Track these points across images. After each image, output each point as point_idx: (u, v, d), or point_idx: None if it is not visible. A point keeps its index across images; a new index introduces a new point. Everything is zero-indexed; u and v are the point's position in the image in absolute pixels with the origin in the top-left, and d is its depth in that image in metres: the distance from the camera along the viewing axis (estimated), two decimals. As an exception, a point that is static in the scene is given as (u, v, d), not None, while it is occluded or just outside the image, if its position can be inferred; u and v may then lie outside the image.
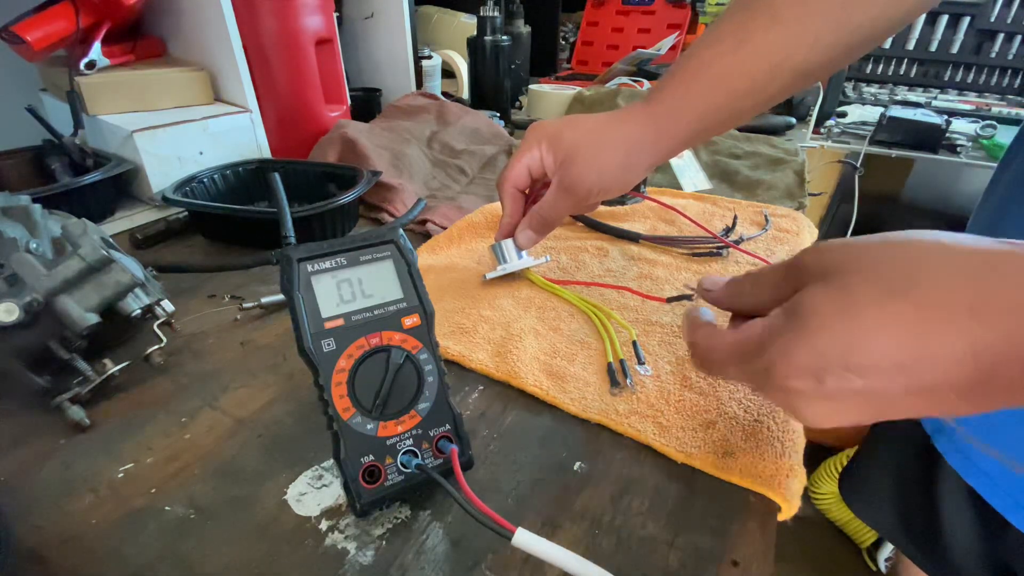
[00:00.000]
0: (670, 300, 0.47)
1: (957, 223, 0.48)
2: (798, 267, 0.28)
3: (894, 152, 1.34)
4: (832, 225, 1.75)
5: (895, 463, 0.54)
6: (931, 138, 1.31)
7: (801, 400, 0.26)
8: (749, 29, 0.37)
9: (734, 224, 0.62)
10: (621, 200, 0.68)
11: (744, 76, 0.38)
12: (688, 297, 0.46)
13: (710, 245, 0.58)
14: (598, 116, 0.43)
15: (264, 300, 0.47)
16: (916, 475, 0.50)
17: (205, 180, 0.64)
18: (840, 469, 1.09)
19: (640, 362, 0.40)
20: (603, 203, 0.66)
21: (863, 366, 0.23)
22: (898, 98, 1.72)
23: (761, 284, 0.30)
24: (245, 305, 0.46)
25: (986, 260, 0.22)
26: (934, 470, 0.47)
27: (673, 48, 1.33)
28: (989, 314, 0.21)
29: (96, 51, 0.65)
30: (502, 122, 1.00)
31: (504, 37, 1.02)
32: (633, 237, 0.60)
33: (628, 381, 0.39)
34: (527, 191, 0.48)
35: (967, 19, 1.70)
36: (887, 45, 1.82)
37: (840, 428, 0.31)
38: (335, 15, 0.81)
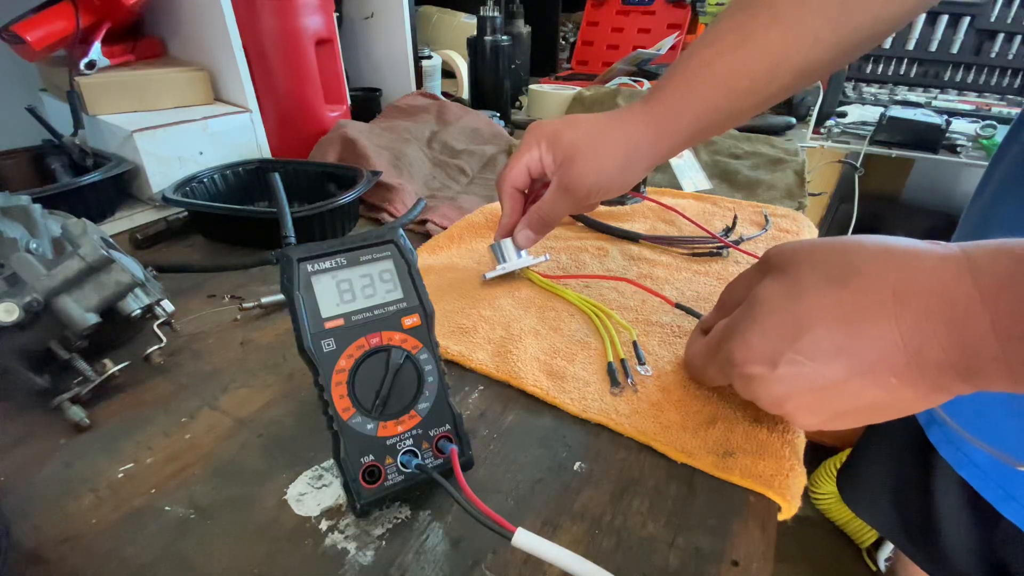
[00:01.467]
0: (679, 307, 0.47)
1: (957, 223, 0.48)
2: (764, 263, 0.30)
3: (894, 152, 1.35)
4: (832, 225, 1.75)
5: (891, 458, 0.54)
6: (931, 138, 1.31)
7: (760, 385, 0.28)
8: (749, 28, 0.37)
9: (734, 224, 0.62)
10: (621, 200, 0.68)
11: (744, 75, 0.38)
12: (697, 315, 0.45)
13: (710, 245, 0.58)
14: (598, 116, 0.43)
15: (264, 300, 0.47)
16: (912, 469, 0.50)
17: (205, 180, 0.64)
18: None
19: (640, 362, 0.40)
20: (603, 203, 0.66)
21: (807, 349, 0.26)
22: (898, 98, 1.72)
23: (738, 287, 0.33)
24: (245, 305, 0.46)
25: (914, 253, 0.24)
26: (929, 464, 0.48)
27: (673, 48, 1.33)
28: (909, 297, 0.23)
29: (96, 51, 0.65)
30: (502, 122, 1.00)
31: (504, 37, 1.02)
32: (633, 237, 0.60)
33: (629, 381, 0.39)
34: (526, 191, 0.48)
35: (967, 19, 1.70)
36: (887, 45, 1.82)
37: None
38: (335, 15, 0.81)
